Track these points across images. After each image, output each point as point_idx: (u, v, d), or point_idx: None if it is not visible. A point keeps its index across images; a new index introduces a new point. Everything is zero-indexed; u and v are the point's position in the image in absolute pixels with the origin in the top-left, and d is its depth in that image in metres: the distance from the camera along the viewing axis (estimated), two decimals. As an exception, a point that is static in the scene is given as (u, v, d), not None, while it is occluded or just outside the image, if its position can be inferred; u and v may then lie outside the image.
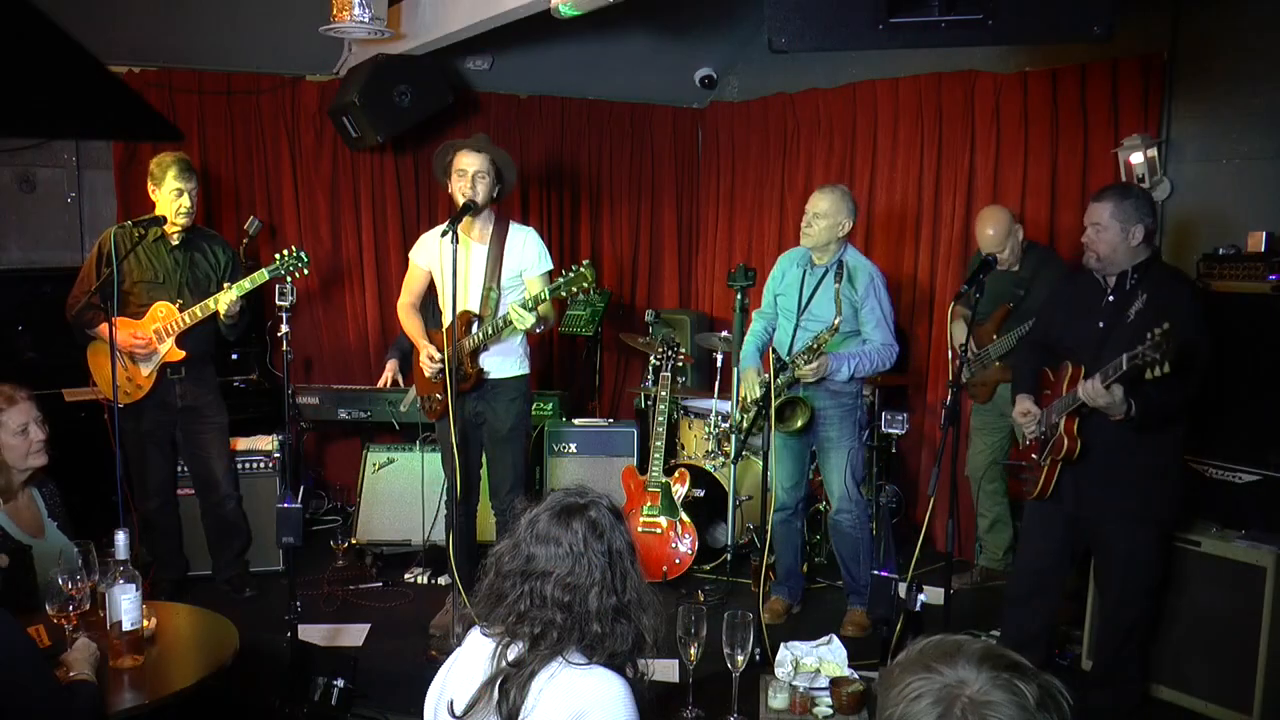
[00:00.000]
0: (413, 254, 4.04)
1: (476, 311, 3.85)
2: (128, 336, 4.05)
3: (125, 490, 4.25)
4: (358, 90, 5.02)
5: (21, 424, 2.89)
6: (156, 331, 4.09)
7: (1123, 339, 3.04)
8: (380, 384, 5.14)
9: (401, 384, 5.03)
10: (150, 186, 4.12)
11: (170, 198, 4.06)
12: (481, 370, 3.88)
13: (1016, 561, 3.64)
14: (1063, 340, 3.33)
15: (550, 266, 3.94)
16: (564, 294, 3.71)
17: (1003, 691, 1.12)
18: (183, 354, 4.12)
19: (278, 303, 3.56)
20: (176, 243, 4.15)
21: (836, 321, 3.85)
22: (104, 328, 4.04)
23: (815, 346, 3.88)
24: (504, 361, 3.92)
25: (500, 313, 3.81)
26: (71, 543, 2.92)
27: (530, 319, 3.66)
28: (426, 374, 3.90)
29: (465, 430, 3.91)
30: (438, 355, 3.81)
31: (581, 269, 3.66)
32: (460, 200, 3.75)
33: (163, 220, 4.12)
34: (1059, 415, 3.20)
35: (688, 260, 6.81)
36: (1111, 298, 3.21)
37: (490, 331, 3.78)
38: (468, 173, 3.75)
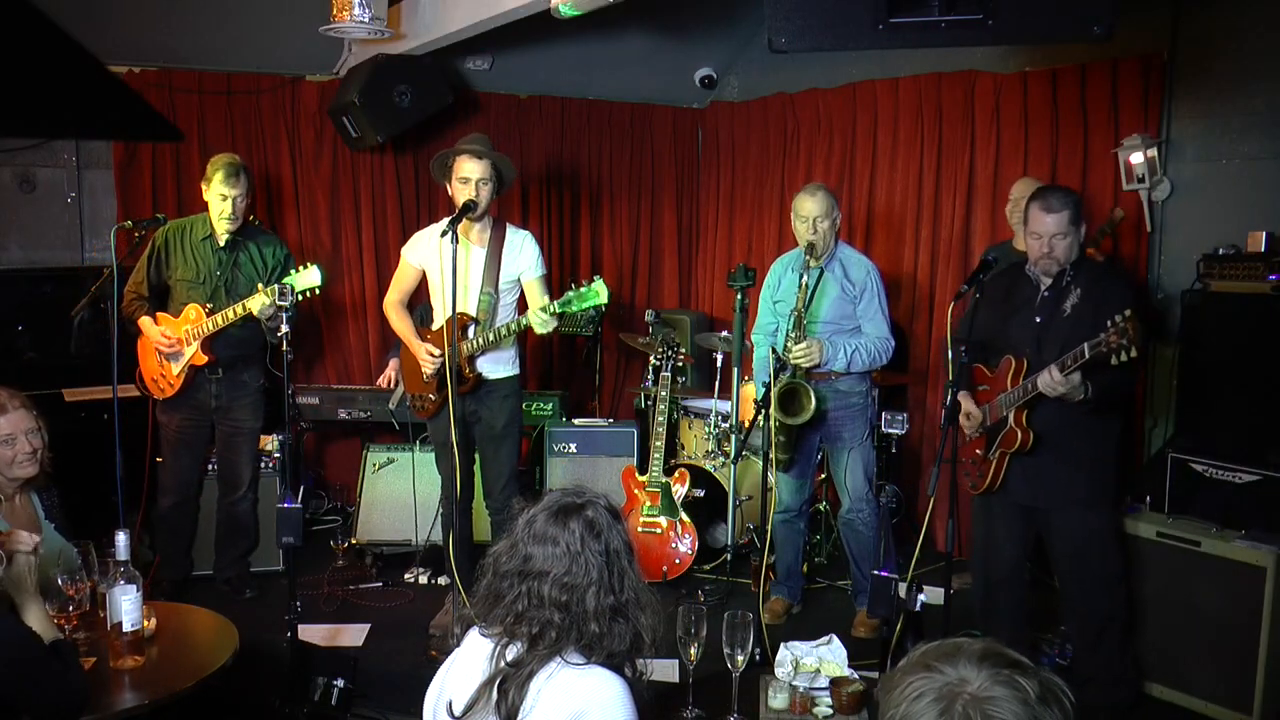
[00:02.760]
0: (405, 251, 4.04)
1: (473, 315, 3.86)
2: (159, 334, 4.11)
3: (145, 484, 4.30)
4: (358, 90, 5.02)
5: (8, 434, 2.79)
6: (186, 333, 4.12)
7: (1060, 333, 3.15)
8: (380, 383, 5.15)
9: (393, 384, 5.06)
10: (203, 186, 4.16)
11: (216, 199, 4.10)
12: (479, 374, 3.90)
13: (983, 558, 3.60)
14: (999, 337, 3.39)
15: (545, 272, 3.97)
16: (575, 310, 3.71)
17: (1004, 687, 1.12)
18: (207, 358, 4.13)
19: (278, 303, 3.57)
20: (223, 243, 4.17)
21: (798, 303, 3.86)
22: (142, 321, 4.15)
23: (795, 323, 3.86)
24: (496, 365, 3.95)
25: (499, 320, 3.85)
26: (70, 544, 2.92)
27: (552, 324, 3.72)
28: (427, 371, 3.90)
29: (460, 429, 3.92)
30: (437, 352, 3.82)
31: (594, 286, 3.64)
32: (461, 203, 3.75)
33: (161, 220, 4.16)
34: (1008, 409, 3.27)
35: (688, 260, 6.81)
36: (1047, 294, 3.29)
37: (491, 340, 3.81)
38: (471, 180, 3.76)
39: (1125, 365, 2.95)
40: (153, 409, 4.32)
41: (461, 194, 3.77)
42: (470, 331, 3.84)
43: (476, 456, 4.14)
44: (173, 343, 4.11)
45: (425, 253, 3.93)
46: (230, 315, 4.05)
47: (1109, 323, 2.86)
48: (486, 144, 3.89)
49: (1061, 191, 3.31)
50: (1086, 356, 2.96)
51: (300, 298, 3.80)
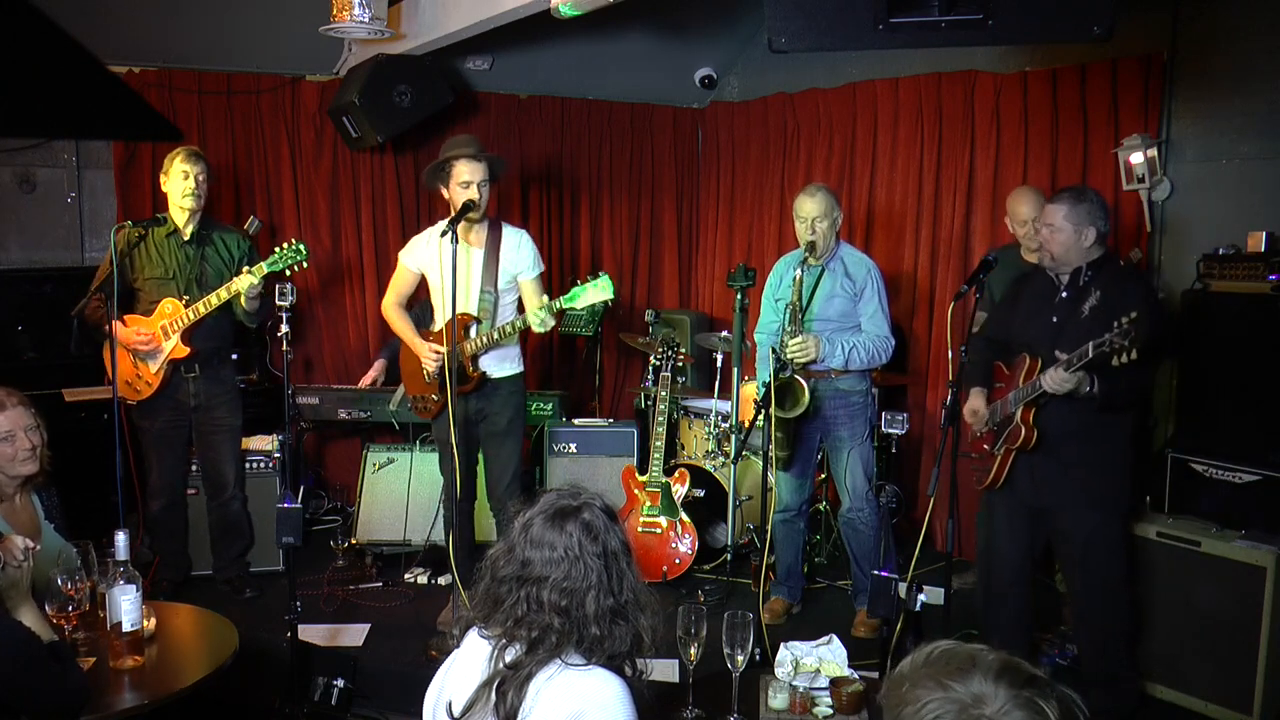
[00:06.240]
0: (403, 255, 4.05)
1: (474, 314, 3.87)
2: (132, 334, 4.06)
3: (136, 488, 4.29)
4: (358, 90, 5.02)
5: (7, 430, 2.80)
6: (162, 328, 4.08)
7: (1077, 333, 3.12)
8: (363, 384, 5.17)
9: (378, 385, 5.10)
10: (161, 179, 4.14)
11: (177, 179, 4.07)
12: (483, 373, 3.91)
13: (988, 556, 3.61)
14: (1018, 336, 3.40)
15: (542, 269, 4.01)
16: (580, 306, 3.82)
17: (1025, 711, 1.08)
18: (188, 350, 4.10)
19: (278, 302, 3.57)
20: (188, 238, 4.14)
21: (793, 297, 3.89)
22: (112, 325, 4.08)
23: (791, 316, 3.86)
24: (501, 364, 3.96)
25: (500, 319, 3.87)
26: (70, 544, 2.91)
27: (551, 322, 3.78)
28: (429, 369, 3.91)
29: (464, 429, 3.93)
30: (441, 348, 3.84)
31: (599, 281, 3.77)
32: (461, 205, 3.77)
33: (163, 220, 4.13)
34: (1016, 406, 3.27)
35: (688, 260, 6.81)
36: (1065, 294, 3.29)
37: (496, 338, 3.83)
38: (473, 182, 3.79)
39: (1135, 366, 2.94)
40: (127, 416, 4.20)
41: (462, 197, 3.79)
42: (473, 331, 3.86)
43: (480, 458, 4.14)
44: (149, 338, 4.06)
45: (424, 256, 3.94)
46: (214, 301, 4.02)
47: (1115, 323, 2.88)
48: (477, 144, 3.92)
49: (1072, 191, 3.32)
50: (1090, 355, 2.97)
51: (290, 270, 3.79)
